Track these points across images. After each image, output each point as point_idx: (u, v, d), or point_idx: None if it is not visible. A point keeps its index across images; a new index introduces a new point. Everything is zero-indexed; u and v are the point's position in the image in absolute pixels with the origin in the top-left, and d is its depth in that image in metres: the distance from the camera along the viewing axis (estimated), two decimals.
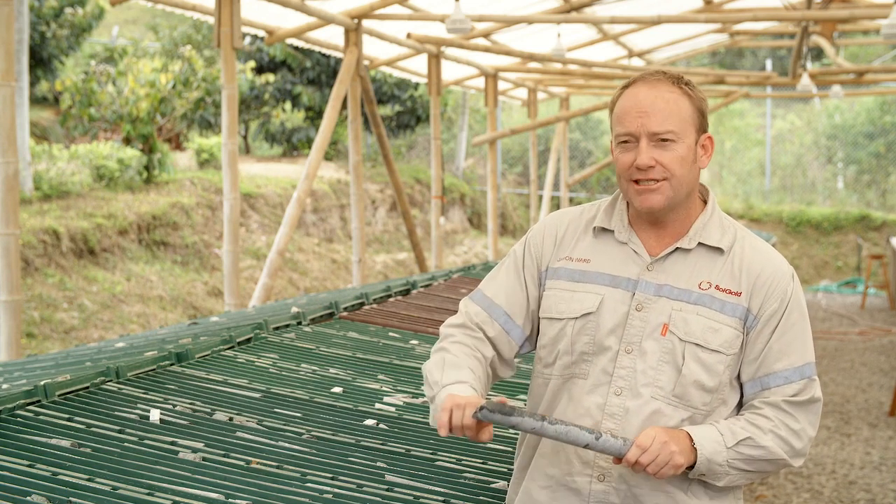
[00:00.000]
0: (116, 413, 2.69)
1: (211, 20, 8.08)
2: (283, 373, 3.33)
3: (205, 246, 12.18)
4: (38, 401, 2.69)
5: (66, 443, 2.41)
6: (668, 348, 1.99)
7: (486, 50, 10.76)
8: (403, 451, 2.65)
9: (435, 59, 10.70)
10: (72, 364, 3.46)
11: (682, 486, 2.01)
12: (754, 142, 22.90)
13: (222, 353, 3.49)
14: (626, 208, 2.11)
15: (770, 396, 2.01)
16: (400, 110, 18.99)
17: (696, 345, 1.99)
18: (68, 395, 2.79)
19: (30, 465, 2.25)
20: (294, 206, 7.98)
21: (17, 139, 5.53)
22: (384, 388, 3.27)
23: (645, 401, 1.99)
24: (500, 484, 2.46)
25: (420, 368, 3.58)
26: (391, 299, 4.98)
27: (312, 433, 2.71)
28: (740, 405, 2.07)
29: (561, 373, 2.07)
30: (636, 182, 2.01)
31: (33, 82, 15.59)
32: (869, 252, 18.38)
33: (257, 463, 2.43)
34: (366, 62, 9.78)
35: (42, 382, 2.76)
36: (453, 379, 2.00)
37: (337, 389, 3.19)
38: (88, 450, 2.39)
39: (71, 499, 2.08)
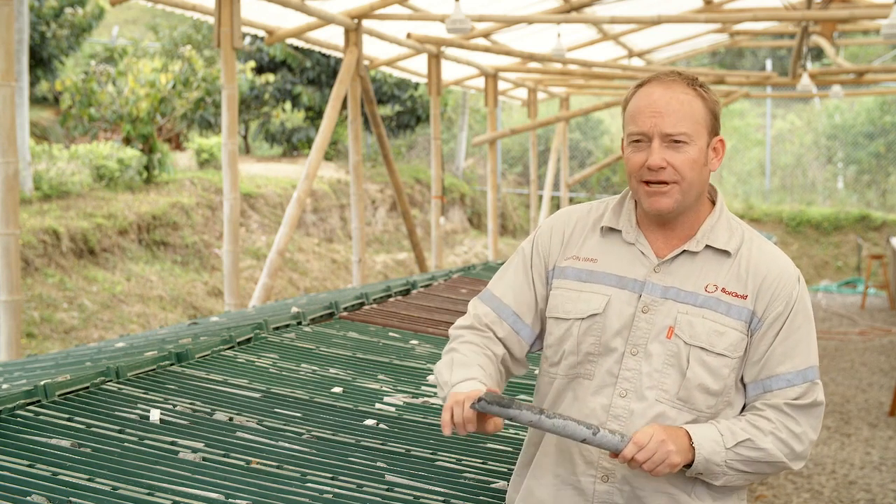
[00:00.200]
0: (116, 413, 2.69)
1: (211, 20, 8.08)
2: (283, 373, 3.33)
3: (205, 246, 12.18)
4: (38, 401, 2.69)
5: (66, 443, 2.41)
6: (674, 351, 1.99)
7: (486, 50, 10.76)
8: (403, 451, 2.65)
9: (435, 59, 10.70)
10: (72, 364, 3.46)
11: (686, 487, 2.01)
12: (754, 142, 22.91)
13: (222, 353, 3.49)
14: (634, 208, 2.10)
15: (772, 399, 2.01)
16: (400, 110, 18.99)
17: (702, 348, 1.99)
18: (68, 395, 2.79)
19: (30, 465, 2.25)
20: (294, 206, 7.98)
21: (17, 139, 5.53)
22: (384, 388, 3.27)
23: (649, 404, 1.99)
24: (500, 484, 2.46)
25: (420, 368, 3.58)
26: (391, 299, 4.98)
27: (312, 433, 2.71)
28: (745, 407, 2.07)
29: (566, 372, 2.07)
30: (646, 183, 2.00)
31: (33, 82, 15.59)
32: (869, 252, 18.38)
33: (257, 463, 2.43)
34: (366, 62, 9.78)
35: (42, 382, 2.76)
36: (462, 377, 1.99)
37: (337, 389, 3.19)
38: (88, 450, 2.39)
39: (71, 499, 2.08)
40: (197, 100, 13.80)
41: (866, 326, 13.13)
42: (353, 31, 8.88)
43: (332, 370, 3.44)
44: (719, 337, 1.99)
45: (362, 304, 4.73)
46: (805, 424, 2.01)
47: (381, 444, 2.68)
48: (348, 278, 13.54)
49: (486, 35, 11.19)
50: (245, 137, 18.61)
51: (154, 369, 3.18)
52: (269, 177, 14.85)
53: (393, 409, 3.04)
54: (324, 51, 10.17)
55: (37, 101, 16.35)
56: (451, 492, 2.38)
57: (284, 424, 2.76)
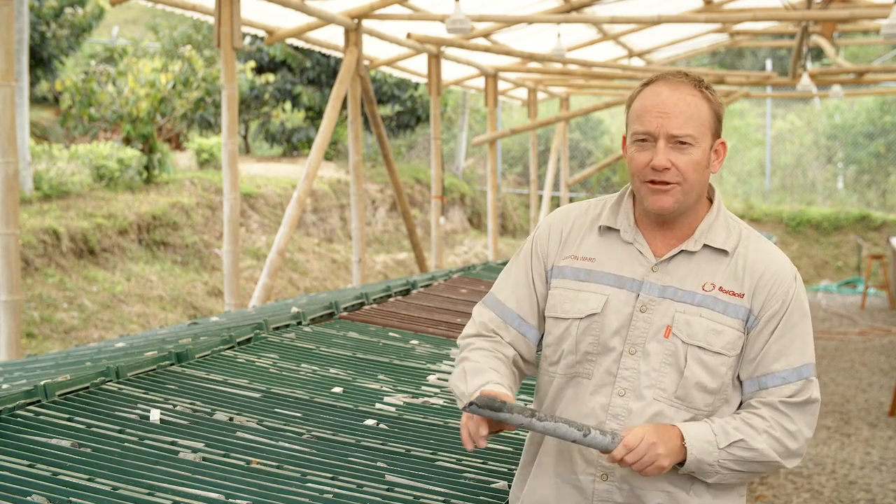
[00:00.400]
0: (116, 413, 2.69)
1: (211, 20, 8.08)
2: (283, 373, 3.33)
3: (205, 246, 12.18)
4: (38, 401, 2.69)
5: (66, 443, 2.41)
6: (671, 350, 2.00)
7: (486, 50, 10.76)
8: (403, 451, 2.65)
9: (435, 59, 10.70)
10: (72, 364, 3.46)
11: (685, 485, 2.02)
12: (754, 142, 22.91)
13: (222, 353, 3.49)
14: (632, 207, 2.11)
15: (768, 396, 2.01)
16: (400, 110, 18.99)
17: (699, 347, 1.99)
18: (68, 395, 2.79)
19: (30, 465, 2.25)
20: (294, 206, 7.98)
21: (17, 139, 5.53)
22: (384, 388, 3.27)
23: (647, 402, 2.00)
24: (500, 484, 2.46)
25: (420, 368, 3.58)
26: (391, 299, 4.98)
27: (312, 433, 2.71)
28: (742, 404, 2.08)
29: (565, 372, 2.07)
30: (650, 182, 2.01)
31: (33, 82, 15.59)
32: (869, 252, 18.38)
33: (257, 463, 2.43)
34: (366, 62, 9.78)
35: (42, 382, 2.76)
36: (477, 385, 2.00)
37: (337, 389, 3.19)
38: (88, 450, 2.39)
39: (71, 499, 2.08)
40: (197, 100, 13.80)
41: (866, 326, 13.13)
42: (353, 31, 8.88)
43: (332, 370, 3.44)
44: (716, 336, 2.00)
45: (362, 304, 4.73)
46: (800, 422, 2.01)
47: (382, 444, 2.68)
48: (348, 278, 13.55)
49: (486, 35, 11.19)
50: (245, 137, 18.61)
51: (154, 369, 3.18)
52: (269, 177, 14.86)
53: (393, 409, 3.04)
54: (324, 51, 10.17)
55: (37, 101, 16.35)
56: (451, 492, 2.38)
57: (284, 424, 2.76)
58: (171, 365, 3.26)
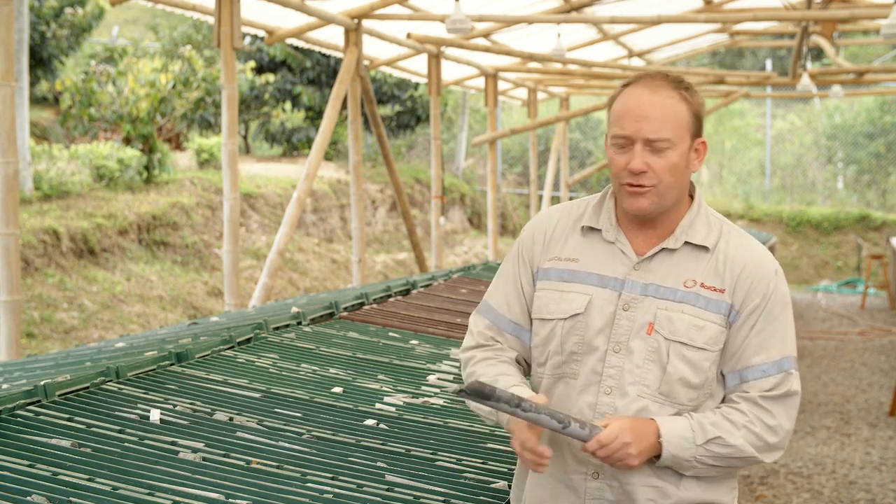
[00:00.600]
0: (116, 413, 2.69)
1: (211, 20, 8.08)
2: (283, 373, 3.33)
3: (205, 246, 12.18)
4: (38, 401, 2.69)
5: (66, 443, 2.41)
6: (654, 347, 2.02)
7: (486, 50, 10.76)
8: (403, 451, 2.65)
9: (435, 59, 10.70)
10: (72, 364, 3.46)
11: (674, 479, 2.04)
12: (754, 142, 22.91)
13: (222, 353, 3.49)
14: (613, 207, 2.13)
15: (749, 390, 2.03)
16: (400, 110, 18.99)
17: (681, 343, 2.01)
18: (68, 395, 2.79)
19: (30, 465, 2.25)
20: (294, 206, 7.98)
21: (17, 139, 5.53)
22: (384, 388, 3.27)
23: (632, 399, 2.02)
24: (500, 484, 2.46)
25: (420, 368, 3.58)
26: (391, 299, 4.98)
27: (312, 433, 2.71)
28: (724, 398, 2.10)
29: (552, 372, 2.10)
30: (627, 185, 2.03)
31: (33, 82, 15.59)
32: (869, 252, 18.38)
33: (257, 463, 2.43)
34: (366, 62, 9.77)
35: (42, 382, 2.76)
36: (505, 387, 2.03)
37: (337, 389, 3.19)
38: (88, 450, 2.39)
39: (71, 499, 2.08)
40: (197, 100, 13.80)
41: (866, 326, 13.13)
42: (353, 31, 8.88)
43: (332, 370, 3.44)
44: (698, 331, 2.02)
45: (362, 304, 4.73)
46: (780, 416, 2.03)
47: (381, 444, 2.68)
48: (348, 278, 13.55)
49: (486, 35, 11.19)
50: (245, 137, 18.61)
51: (154, 369, 3.18)
52: (269, 177, 14.86)
53: (393, 409, 3.04)
54: (324, 51, 10.17)
55: (37, 101, 16.35)
56: (451, 492, 2.38)
57: (284, 424, 2.76)
58: (171, 365, 3.26)
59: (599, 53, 14.34)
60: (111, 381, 2.97)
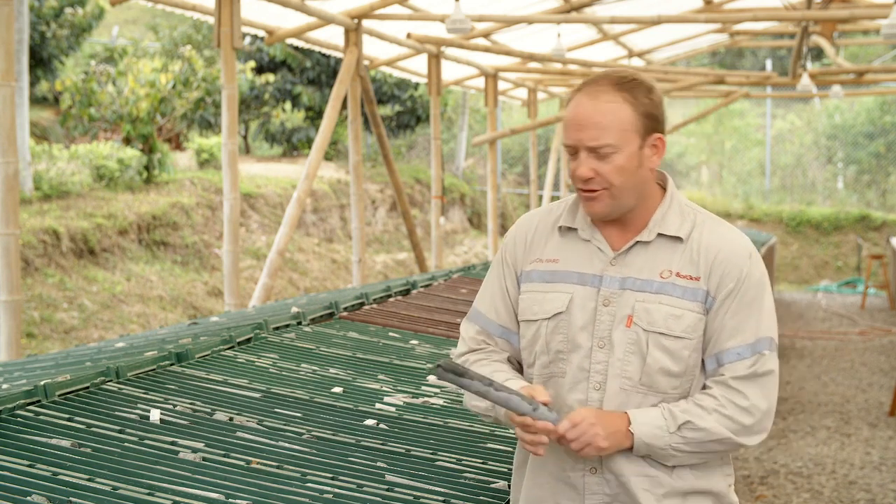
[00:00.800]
0: (116, 413, 2.69)
1: (211, 20, 8.08)
2: (283, 373, 3.33)
3: (205, 246, 12.18)
4: (38, 401, 2.69)
5: (66, 443, 2.41)
6: (634, 339, 2.04)
7: (486, 50, 10.76)
8: (403, 451, 2.65)
9: (435, 59, 10.70)
10: (72, 364, 3.46)
11: (667, 468, 2.06)
12: (754, 142, 22.91)
13: (222, 353, 3.49)
14: None
15: (725, 373, 2.04)
16: (400, 110, 18.99)
17: (660, 333, 2.04)
18: (68, 395, 2.79)
19: (30, 465, 2.25)
20: (294, 206, 7.98)
21: (17, 139, 5.53)
22: (384, 388, 3.27)
23: (615, 391, 2.05)
24: (500, 484, 2.46)
25: (420, 368, 3.58)
26: (391, 299, 4.98)
27: (312, 433, 2.71)
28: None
29: (540, 372, 2.13)
30: (580, 190, 2.07)
31: (33, 82, 15.59)
32: (869, 252, 18.38)
33: (257, 463, 2.43)
34: (366, 62, 9.77)
35: (42, 382, 2.76)
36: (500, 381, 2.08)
37: (337, 389, 3.19)
38: (88, 450, 2.39)
39: (71, 499, 2.08)
40: (197, 100, 13.80)
41: (866, 326, 13.13)
42: (353, 31, 8.88)
43: (332, 370, 3.44)
44: (676, 320, 2.04)
45: (362, 304, 4.74)
46: (753, 396, 2.03)
47: (381, 444, 2.68)
48: (348, 278, 13.55)
49: (486, 35, 11.19)
50: (245, 137, 18.61)
51: (154, 369, 3.18)
52: (269, 177, 14.86)
53: (393, 409, 3.04)
54: (324, 51, 10.17)
55: (37, 101, 16.35)
56: (451, 492, 2.38)
57: (284, 424, 2.76)
58: (171, 365, 3.26)
59: (599, 53, 14.34)
60: (111, 381, 2.97)
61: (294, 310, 4.31)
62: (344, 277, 13.68)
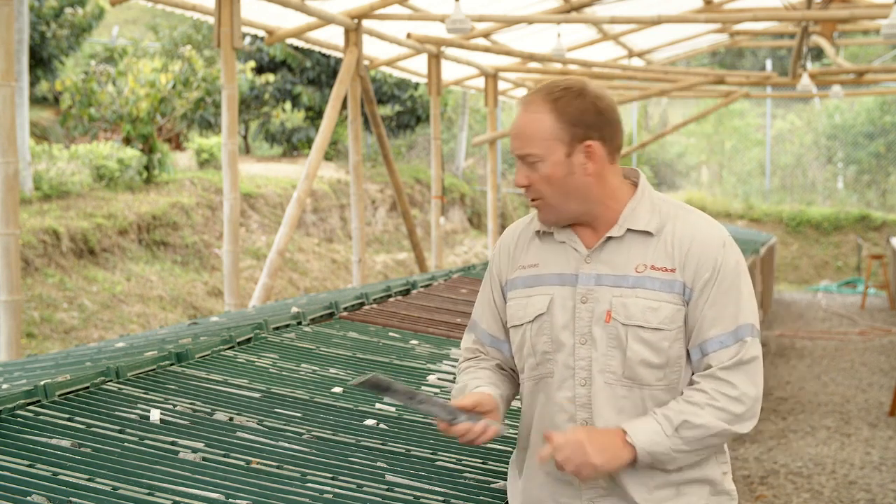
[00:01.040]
0: (116, 413, 2.69)
1: (211, 20, 8.08)
2: (283, 373, 3.33)
3: (205, 246, 12.18)
4: (38, 401, 2.69)
5: (66, 443, 2.41)
6: (614, 333, 2.07)
7: (486, 50, 10.76)
8: (403, 451, 2.65)
9: (435, 59, 10.70)
10: (72, 364, 3.46)
11: None
12: (754, 142, 22.92)
13: (222, 353, 3.49)
14: None
15: (711, 363, 2.06)
16: (400, 110, 18.99)
17: (638, 326, 2.06)
18: (68, 395, 2.79)
19: (30, 465, 2.25)
20: (294, 206, 7.98)
21: (17, 139, 5.53)
22: None
23: (601, 386, 2.08)
24: (500, 484, 2.46)
25: (420, 368, 3.58)
26: (391, 299, 4.98)
27: (312, 433, 2.71)
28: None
29: (530, 375, 2.17)
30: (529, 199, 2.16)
31: (33, 82, 15.59)
32: (869, 252, 18.38)
33: (257, 463, 2.43)
34: (366, 62, 9.78)
35: (42, 382, 2.76)
36: (472, 389, 2.19)
37: (337, 389, 3.19)
38: (88, 450, 2.39)
39: (71, 499, 2.08)
40: (197, 100, 13.81)
41: (866, 326, 13.13)
42: (353, 31, 8.88)
43: (332, 370, 3.44)
44: (653, 313, 2.06)
45: (362, 304, 4.73)
46: (742, 384, 2.04)
47: (381, 444, 2.68)
48: (348, 278, 13.55)
49: (486, 35, 11.19)
50: (245, 137, 18.61)
51: (154, 369, 3.18)
52: (269, 177, 14.86)
53: (393, 409, 3.04)
54: (324, 51, 10.17)
55: (37, 101, 16.35)
56: (451, 492, 2.38)
57: (284, 424, 2.76)
58: (171, 365, 3.26)
59: (599, 53, 14.34)
60: (111, 381, 2.97)
61: (294, 310, 4.31)
62: (344, 277, 13.68)
